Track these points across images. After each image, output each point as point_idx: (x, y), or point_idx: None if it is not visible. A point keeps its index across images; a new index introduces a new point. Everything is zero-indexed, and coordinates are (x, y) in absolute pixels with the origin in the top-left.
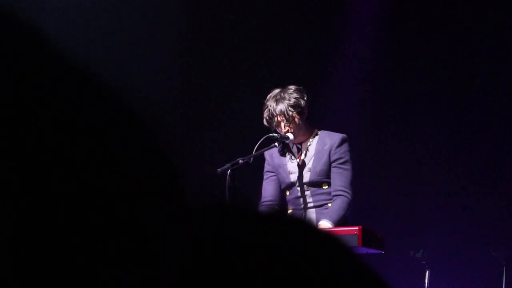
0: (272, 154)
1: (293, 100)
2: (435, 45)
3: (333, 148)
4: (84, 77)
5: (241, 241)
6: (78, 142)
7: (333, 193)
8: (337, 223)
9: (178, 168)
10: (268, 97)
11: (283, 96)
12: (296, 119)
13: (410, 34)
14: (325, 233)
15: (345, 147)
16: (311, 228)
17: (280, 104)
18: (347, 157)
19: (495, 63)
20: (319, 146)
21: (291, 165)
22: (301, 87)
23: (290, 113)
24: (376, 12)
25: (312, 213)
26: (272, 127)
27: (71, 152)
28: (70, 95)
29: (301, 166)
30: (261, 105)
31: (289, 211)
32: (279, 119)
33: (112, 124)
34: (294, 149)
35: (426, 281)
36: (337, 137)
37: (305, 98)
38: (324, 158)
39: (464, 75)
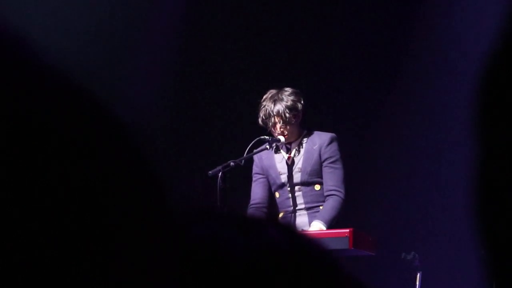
0: (261, 156)
1: (290, 102)
2: (426, 43)
3: (323, 148)
4: (67, 81)
5: (225, 247)
6: (62, 148)
7: (325, 193)
8: (330, 223)
9: (163, 173)
10: (264, 97)
11: (281, 97)
12: (292, 121)
13: (400, 33)
14: (307, 238)
15: (334, 145)
16: (295, 234)
17: (278, 105)
18: (338, 156)
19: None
20: (308, 146)
21: (281, 165)
22: (298, 91)
23: (287, 115)
24: (365, 12)
25: (304, 216)
26: (268, 127)
27: (54, 159)
28: (47, 98)
29: (291, 165)
30: (253, 108)
31: (280, 214)
32: (275, 119)
33: (94, 129)
34: (284, 149)
35: (418, 283)
36: (326, 136)
37: (302, 102)
38: (314, 157)
39: (450, 73)
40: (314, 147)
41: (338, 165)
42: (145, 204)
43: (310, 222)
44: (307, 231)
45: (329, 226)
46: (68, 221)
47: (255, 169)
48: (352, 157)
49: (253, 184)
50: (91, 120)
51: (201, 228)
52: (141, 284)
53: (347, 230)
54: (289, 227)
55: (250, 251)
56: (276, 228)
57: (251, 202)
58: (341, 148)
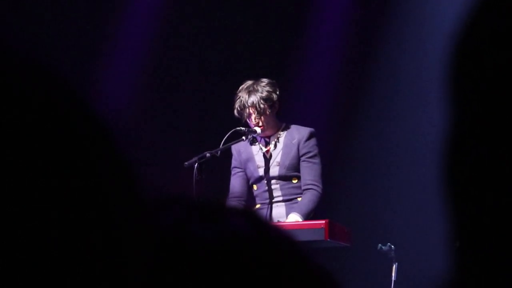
0: (239, 149)
1: (265, 93)
2: (406, 36)
3: (302, 142)
4: (40, 75)
5: (191, 234)
6: (37, 142)
7: (303, 187)
8: (306, 216)
9: (136, 163)
10: (240, 88)
11: (256, 88)
12: (267, 112)
13: (378, 25)
14: (272, 226)
15: (313, 141)
16: (260, 222)
17: (252, 96)
18: (316, 151)
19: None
20: (287, 140)
21: (259, 158)
22: (274, 81)
23: (262, 105)
24: (345, 5)
25: (281, 207)
26: (243, 118)
27: (29, 153)
28: (19, 93)
29: (269, 159)
30: (229, 99)
31: (257, 206)
32: (250, 111)
33: (69, 120)
34: (262, 142)
35: (393, 274)
36: (305, 131)
37: (278, 92)
38: (293, 152)
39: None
40: (293, 142)
41: (316, 160)
42: (115, 193)
43: (287, 214)
44: (284, 222)
45: (306, 219)
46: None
47: (233, 162)
48: (328, 149)
49: (232, 178)
50: (65, 112)
51: (167, 215)
52: (110, 275)
53: (323, 222)
54: (255, 215)
55: (216, 238)
56: (242, 215)
57: (230, 195)
58: (319, 142)
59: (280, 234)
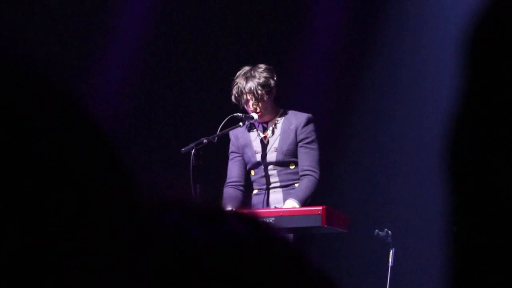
0: (237, 135)
1: (263, 79)
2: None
3: (299, 128)
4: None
5: (189, 238)
6: (28, 142)
7: (300, 173)
8: (304, 202)
9: (132, 165)
10: (238, 74)
11: (253, 74)
12: (265, 98)
13: (378, 12)
14: (271, 229)
15: (311, 127)
16: (259, 225)
17: (250, 82)
18: (314, 137)
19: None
20: (285, 126)
21: (257, 144)
22: (271, 67)
23: (259, 92)
24: None
25: (278, 193)
26: (240, 104)
27: (20, 153)
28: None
29: (266, 145)
30: (226, 85)
31: (255, 191)
32: (247, 97)
33: (61, 121)
34: (260, 128)
35: (390, 260)
36: (302, 117)
37: (275, 78)
38: (291, 137)
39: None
40: (291, 127)
41: (314, 146)
42: (111, 196)
43: (284, 199)
44: (281, 208)
45: (303, 205)
46: (33, 214)
47: (231, 147)
48: (326, 135)
49: (230, 163)
50: (57, 111)
51: (165, 219)
52: (108, 277)
53: (320, 208)
54: (254, 218)
55: (213, 242)
56: (240, 219)
57: (228, 180)
58: (317, 128)
59: (279, 237)
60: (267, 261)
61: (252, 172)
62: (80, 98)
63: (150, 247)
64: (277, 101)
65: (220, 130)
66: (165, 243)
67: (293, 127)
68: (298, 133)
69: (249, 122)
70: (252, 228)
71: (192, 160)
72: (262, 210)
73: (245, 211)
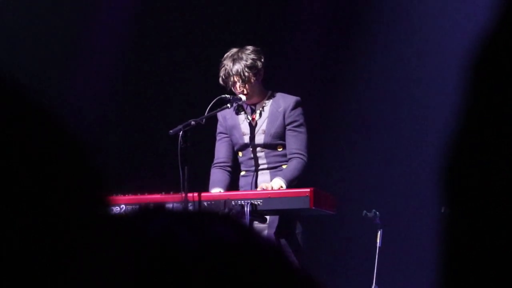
0: (225, 116)
1: (250, 61)
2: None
3: (288, 111)
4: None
5: (175, 244)
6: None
7: (288, 156)
8: (290, 183)
9: (103, 172)
10: (225, 56)
11: (240, 56)
12: (252, 80)
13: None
14: (256, 234)
15: (299, 110)
16: (245, 229)
17: (237, 64)
18: (302, 120)
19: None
20: (273, 108)
21: (245, 126)
22: (258, 48)
23: (246, 73)
24: None
25: (266, 174)
26: (228, 86)
27: None
28: None
29: (254, 127)
30: (214, 67)
31: (242, 173)
32: (235, 79)
33: (32, 127)
34: (248, 110)
35: (378, 240)
36: (291, 100)
37: (262, 60)
38: (279, 120)
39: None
40: (279, 110)
41: (302, 129)
42: (94, 200)
43: (272, 180)
44: (268, 190)
45: (289, 186)
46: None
47: (219, 128)
48: (314, 117)
49: (217, 143)
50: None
51: (153, 225)
52: (96, 283)
53: (308, 190)
54: (241, 224)
55: (202, 247)
56: (227, 224)
57: (215, 161)
58: (305, 111)
59: (265, 241)
60: (254, 266)
61: (240, 154)
62: (47, 104)
63: (138, 253)
64: (266, 83)
65: (208, 112)
66: (153, 249)
67: (281, 109)
68: (286, 116)
69: (236, 104)
70: (239, 233)
71: (180, 142)
72: (250, 192)
73: (233, 215)
